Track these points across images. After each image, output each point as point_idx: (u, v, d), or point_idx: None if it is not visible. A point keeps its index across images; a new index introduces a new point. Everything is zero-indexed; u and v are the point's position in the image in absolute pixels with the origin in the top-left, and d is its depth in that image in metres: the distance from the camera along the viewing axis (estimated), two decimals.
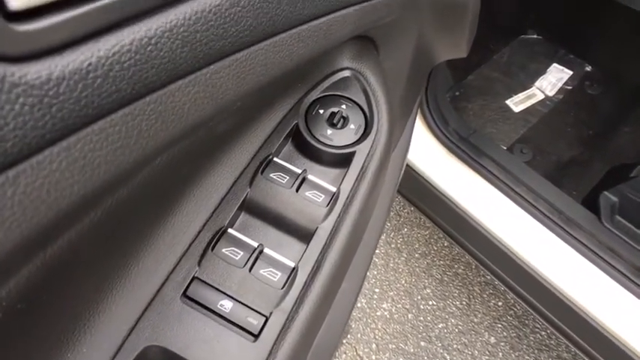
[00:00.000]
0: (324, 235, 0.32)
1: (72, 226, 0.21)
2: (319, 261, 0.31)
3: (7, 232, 0.16)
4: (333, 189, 0.33)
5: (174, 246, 0.30)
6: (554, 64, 1.44)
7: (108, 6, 0.17)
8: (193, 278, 0.29)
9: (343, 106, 0.36)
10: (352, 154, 0.34)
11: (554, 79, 1.42)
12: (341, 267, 0.33)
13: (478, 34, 1.47)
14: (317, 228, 0.32)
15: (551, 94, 1.38)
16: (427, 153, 1.11)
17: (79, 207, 0.19)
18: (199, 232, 0.31)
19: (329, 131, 0.35)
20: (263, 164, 0.33)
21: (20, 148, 0.16)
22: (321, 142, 0.35)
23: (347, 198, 0.33)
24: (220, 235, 0.31)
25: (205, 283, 0.29)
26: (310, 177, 0.34)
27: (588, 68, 1.44)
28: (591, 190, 1.16)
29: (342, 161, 0.35)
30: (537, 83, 1.40)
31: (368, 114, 0.36)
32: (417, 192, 1.21)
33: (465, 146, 1.06)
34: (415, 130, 1.12)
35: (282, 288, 0.30)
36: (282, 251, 0.31)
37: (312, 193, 0.33)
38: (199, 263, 0.30)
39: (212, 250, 0.30)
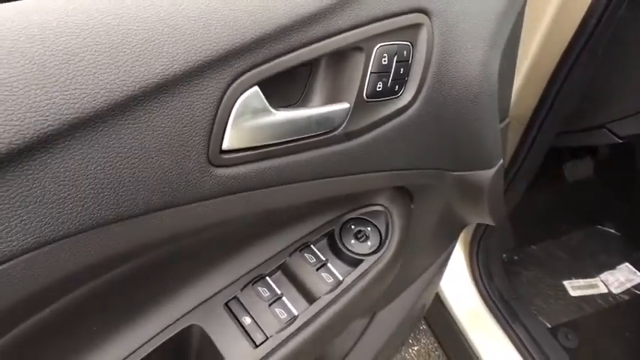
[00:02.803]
0: (323, 303, 0.46)
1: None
2: (314, 317, 0.45)
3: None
4: (340, 278, 0.48)
5: (230, 274, 0.45)
6: (627, 264, 1.41)
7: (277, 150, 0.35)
8: (234, 297, 0.45)
9: (369, 228, 0.51)
10: (361, 260, 0.49)
11: (623, 278, 1.37)
12: (329, 327, 0.46)
13: (550, 210, 1.47)
14: (320, 297, 0.46)
15: (616, 291, 1.34)
16: (465, 302, 1.12)
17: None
18: (249, 271, 0.46)
19: (352, 241, 0.50)
20: (302, 246, 0.49)
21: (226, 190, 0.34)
22: (345, 246, 0.50)
23: (346, 286, 0.48)
24: (260, 278, 0.46)
25: (240, 302, 0.45)
26: (329, 265, 0.48)
27: None
28: None
29: (354, 263, 0.50)
30: (603, 276, 1.37)
31: (383, 240, 0.51)
32: (447, 335, 1.19)
33: (505, 309, 1.06)
34: (458, 274, 1.14)
35: (284, 323, 0.44)
36: (293, 302, 0.46)
37: (326, 275, 0.48)
38: (242, 290, 0.45)
39: (252, 285, 0.46)
